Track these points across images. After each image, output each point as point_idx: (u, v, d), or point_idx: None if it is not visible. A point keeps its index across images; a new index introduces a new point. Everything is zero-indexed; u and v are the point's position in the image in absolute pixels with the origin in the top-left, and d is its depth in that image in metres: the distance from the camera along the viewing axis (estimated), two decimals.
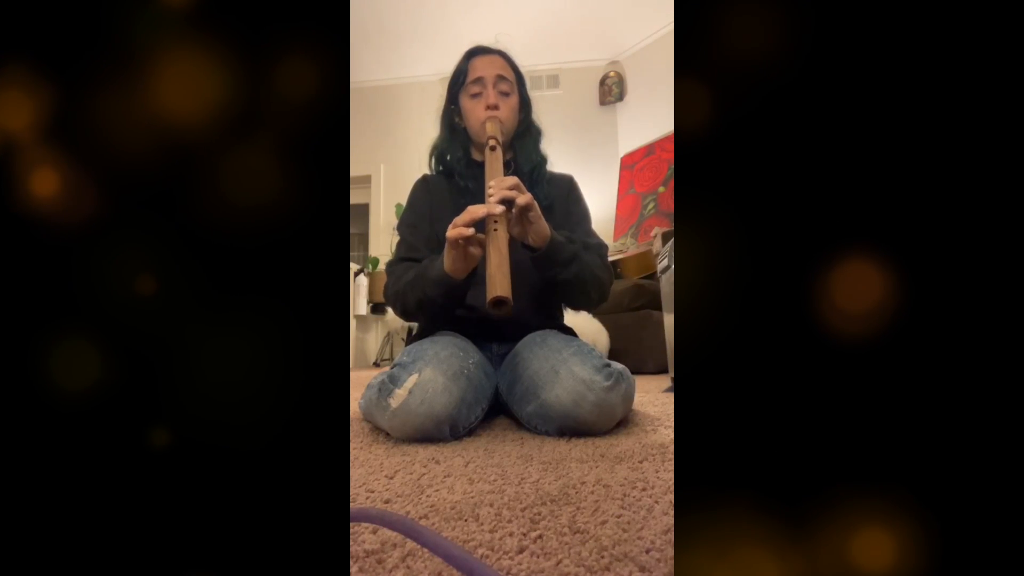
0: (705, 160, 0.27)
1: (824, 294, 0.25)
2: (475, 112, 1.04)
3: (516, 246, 0.87)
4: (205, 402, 0.26)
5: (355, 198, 4.61)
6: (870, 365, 0.25)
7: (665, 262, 1.65)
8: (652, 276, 2.73)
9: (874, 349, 0.25)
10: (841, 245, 0.25)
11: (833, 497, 0.24)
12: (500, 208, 0.81)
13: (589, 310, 1.07)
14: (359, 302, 3.99)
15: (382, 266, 4.08)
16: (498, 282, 0.74)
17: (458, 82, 1.08)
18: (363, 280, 4.03)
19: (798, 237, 0.26)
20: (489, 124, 1.00)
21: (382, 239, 4.35)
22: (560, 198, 1.09)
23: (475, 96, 1.04)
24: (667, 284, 1.64)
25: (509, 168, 1.08)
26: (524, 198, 0.82)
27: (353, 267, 3.94)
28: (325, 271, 0.28)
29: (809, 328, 0.25)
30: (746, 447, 0.25)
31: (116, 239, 0.26)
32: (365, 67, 4.37)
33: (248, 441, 0.26)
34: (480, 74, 1.04)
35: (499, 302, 0.73)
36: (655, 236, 2.61)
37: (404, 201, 1.16)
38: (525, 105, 1.11)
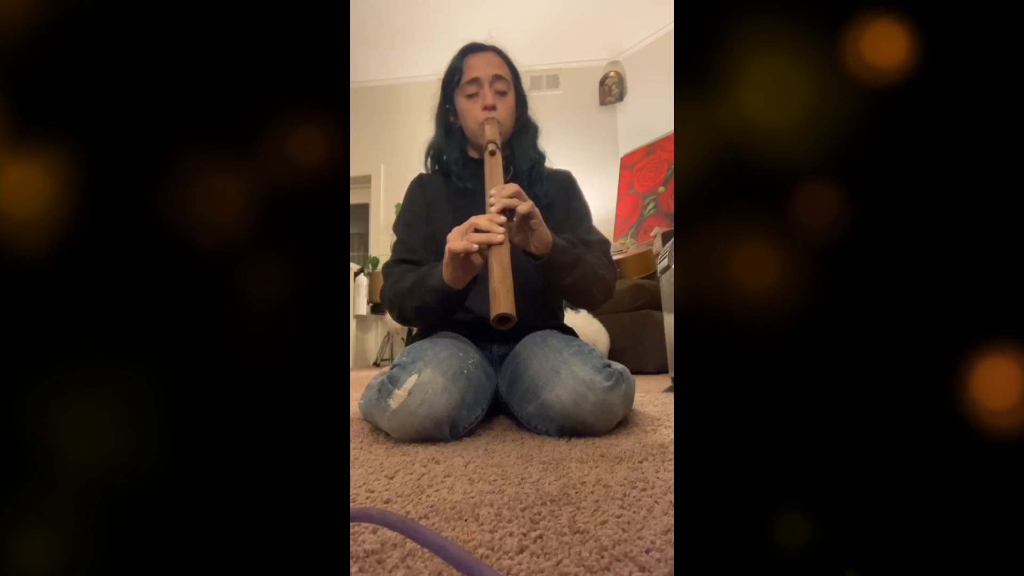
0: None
1: (964, 389, 0.24)
2: (472, 112, 1.02)
3: (517, 252, 0.86)
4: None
5: (355, 198, 4.61)
6: (1014, 462, 0.23)
7: (665, 262, 1.65)
8: (652, 276, 2.73)
9: (1017, 447, 0.23)
10: (981, 339, 0.24)
11: None
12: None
13: (594, 310, 1.06)
14: (359, 302, 3.99)
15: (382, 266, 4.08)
16: (502, 298, 0.71)
17: (453, 81, 1.05)
18: (363, 280, 4.03)
19: (936, 333, 0.24)
20: (488, 127, 0.98)
21: (382, 239, 4.34)
22: (560, 195, 1.08)
23: (471, 96, 1.02)
24: (667, 284, 1.63)
25: (508, 171, 1.05)
26: (525, 206, 0.81)
27: (353, 267, 3.93)
28: (325, 271, 0.28)
29: (949, 423, 0.24)
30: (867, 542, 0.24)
31: None
32: (365, 67, 4.36)
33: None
34: (476, 74, 1.02)
35: (503, 319, 0.71)
36: (655, 236, 2.61)
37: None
38: (521, 102, 1.08)
